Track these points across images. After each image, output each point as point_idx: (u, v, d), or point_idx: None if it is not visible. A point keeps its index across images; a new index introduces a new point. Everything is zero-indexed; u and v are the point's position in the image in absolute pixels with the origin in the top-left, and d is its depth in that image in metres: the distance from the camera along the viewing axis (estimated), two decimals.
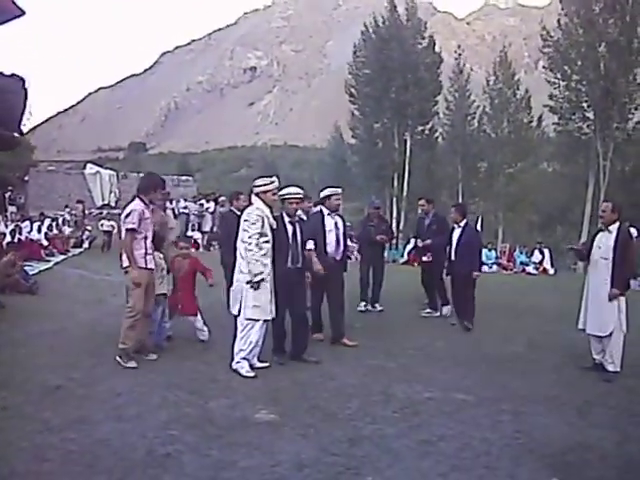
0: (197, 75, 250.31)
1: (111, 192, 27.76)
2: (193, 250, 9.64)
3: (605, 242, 7.16)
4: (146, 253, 6.58)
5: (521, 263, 22.84)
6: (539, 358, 7.91)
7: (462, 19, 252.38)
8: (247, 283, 6.41)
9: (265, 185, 6.70)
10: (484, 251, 22.27)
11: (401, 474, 4.21)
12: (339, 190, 8.76)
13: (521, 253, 23.41)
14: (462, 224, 10.18)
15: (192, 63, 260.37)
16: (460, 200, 34.71)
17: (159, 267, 7.08)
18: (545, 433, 5.09)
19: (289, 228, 7.03)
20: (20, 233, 15.64)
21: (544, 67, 31.27)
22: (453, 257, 10.18)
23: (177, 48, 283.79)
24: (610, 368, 7.04)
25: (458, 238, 10.08)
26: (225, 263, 9.45)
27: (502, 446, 4.76)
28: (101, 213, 22.51)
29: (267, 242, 6.56)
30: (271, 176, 6.92)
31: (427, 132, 38.74)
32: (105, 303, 10.23)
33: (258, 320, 6.49)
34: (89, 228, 20.29)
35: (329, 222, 8.49)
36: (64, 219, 20.94)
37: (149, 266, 6.59)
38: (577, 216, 31.58)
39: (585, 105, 29.23)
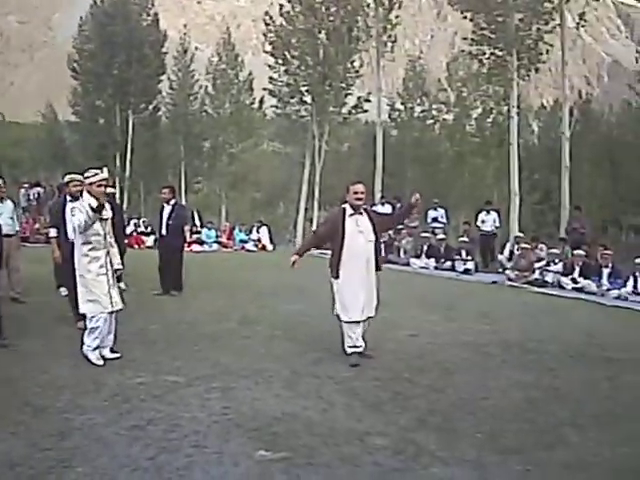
0: None
1: None
2: None
3: (363, 223, 6.85)
4: None
5: (241, 241, 23.51)
6: (251, 333, 8.16)
7: None
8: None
9: (92, 177, 6.60)
10: (204, 230, 22.71)
11: (111, 462, 4.17)
12: (77, 177, 8.05)
13: (240, 231, 24.10)
14: (172, 202, 11.25)
15: None
16: (183, 179, 34.84)
17: None
18: (252, 407, 5.27)
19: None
20: None
21: (265, 52, 31.82)
22: (165, 232, 11.18)
23: None
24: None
25: (169, 215, 11.11)
26: None
27: (210, 423, 4.86)
28: None
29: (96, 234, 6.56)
30: (100, 168, 6.83)
31: (150, 111, 38.04)
32: None
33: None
34: None
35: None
36: None
37: None
38: (296, 194, 33.04)
39: (303, 89, 30.41)
